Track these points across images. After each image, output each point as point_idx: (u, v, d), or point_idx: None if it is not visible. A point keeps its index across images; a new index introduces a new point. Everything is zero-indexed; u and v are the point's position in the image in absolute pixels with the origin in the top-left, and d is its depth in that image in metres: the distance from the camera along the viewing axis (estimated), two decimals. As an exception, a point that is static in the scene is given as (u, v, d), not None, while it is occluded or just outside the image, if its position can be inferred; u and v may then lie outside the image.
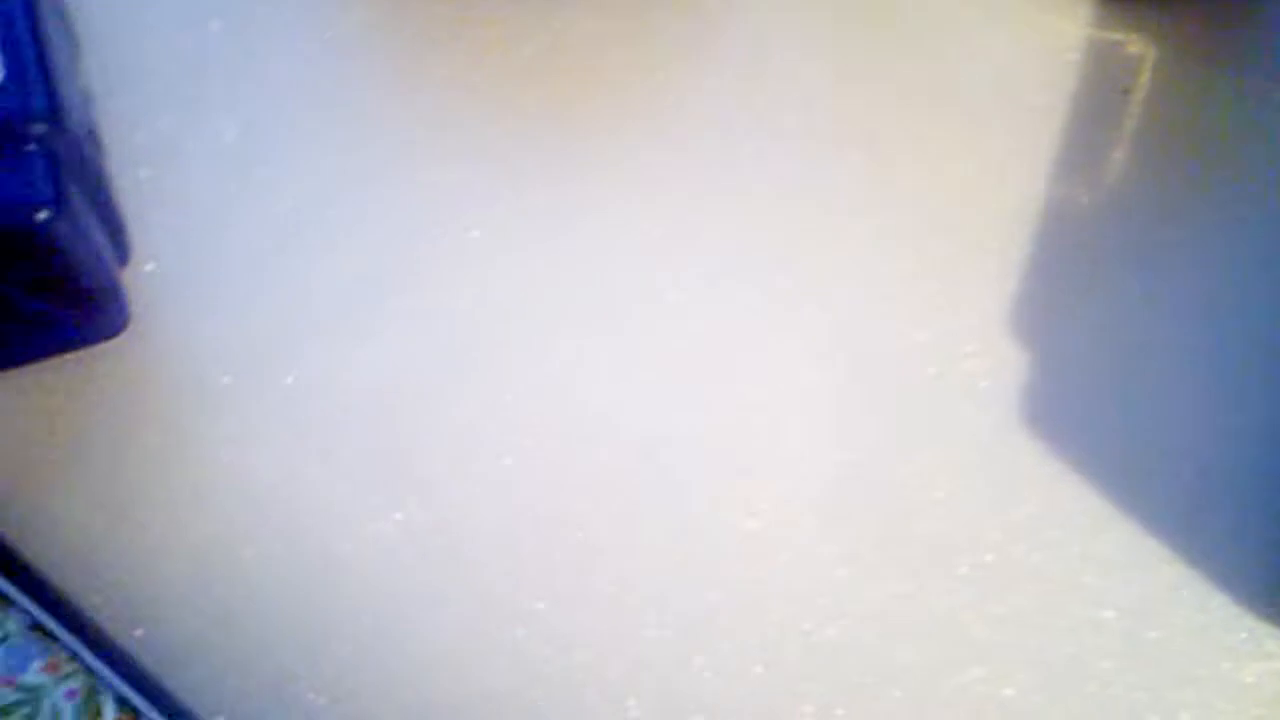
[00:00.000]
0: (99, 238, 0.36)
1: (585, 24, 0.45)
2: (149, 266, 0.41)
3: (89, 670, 0.34)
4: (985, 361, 0.41)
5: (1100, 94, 0.44)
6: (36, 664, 0.34)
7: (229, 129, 0.43)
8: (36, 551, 0.37)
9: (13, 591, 0.35)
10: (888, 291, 0.42)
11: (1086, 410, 0.41)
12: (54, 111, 0.34)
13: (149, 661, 0.36)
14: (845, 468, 0.40)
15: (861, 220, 0.43)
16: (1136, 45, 0.45)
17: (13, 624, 0.34)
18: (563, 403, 0.41)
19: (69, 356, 0.40)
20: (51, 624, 0.34)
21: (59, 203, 0.34)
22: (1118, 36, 0.45)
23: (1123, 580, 0.39)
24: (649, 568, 0.39)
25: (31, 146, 0.34)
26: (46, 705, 0.33)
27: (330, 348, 0.41)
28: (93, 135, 0.37)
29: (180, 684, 0.36)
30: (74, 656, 0.34)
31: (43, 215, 0.34)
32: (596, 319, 0.42)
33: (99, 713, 0.33)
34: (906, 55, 0.45)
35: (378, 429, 0.40)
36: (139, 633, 0.37)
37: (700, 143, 0.44)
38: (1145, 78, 0.44)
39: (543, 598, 0.39)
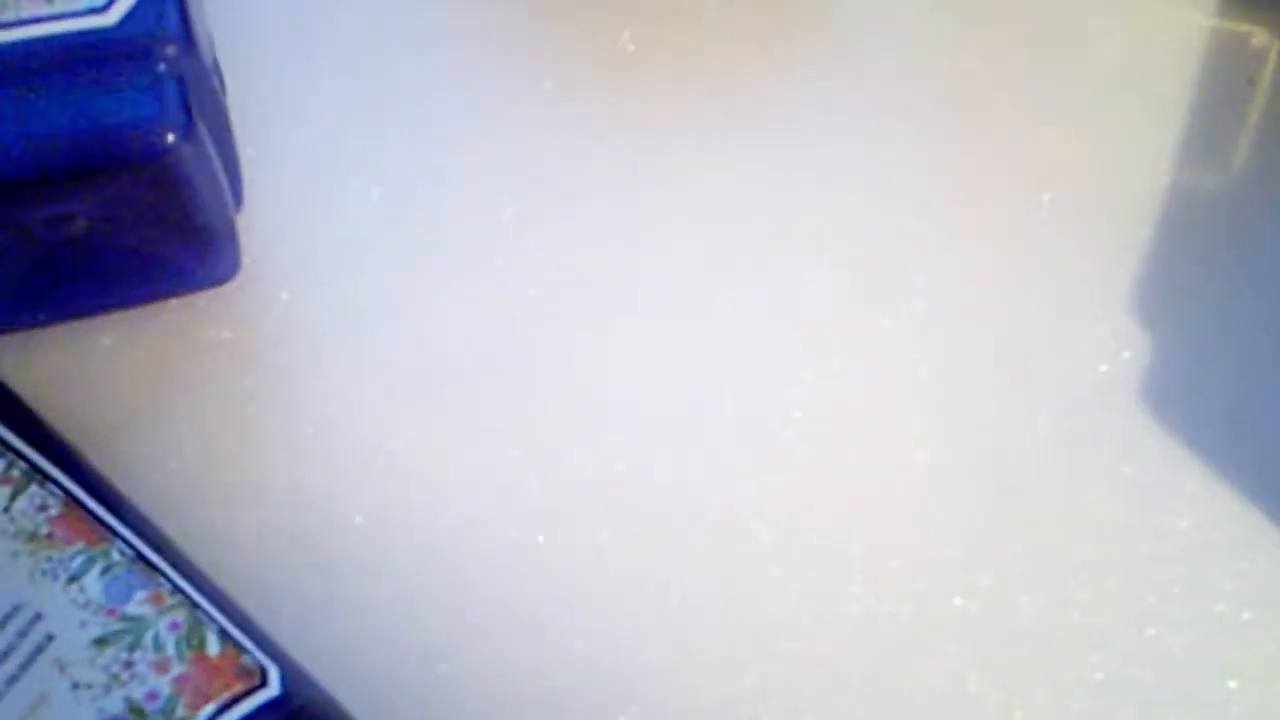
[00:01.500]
0: (221, 173, 0.36)
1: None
2: (259, 217, 0.40)
3: (192, 604, 0.33)
4: (1105, 346, 0.40)
5: (1225, 84, 0.43)
6: (140, 595, 0.33)
7: (346, 84, 0.42)
8: (138, 490, 0.36)
9: (117, 524, 0.34)
10: (1001, 277, 0.41)
11: (1210, 396, 0.40)
12: (186, 35, 0.34)
13: (246, 604, 0.35)
14: (955, 447, 0.39)
15: (976, 209, 0.42)
16: (1261, 37, 0.44)
17: (116, 555, 0.33)
18: (665, 377, 0.40)
19: (177, 300, 0.39)
20: (155, 558, 0.34)
21: (188, 127, 0.33)
22: (1243, 28, 0.44)
23: (1246, 573, 0.38)
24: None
25: (162, 67, 0.33)
26: (149, 636, 0.32)
27: (439, 308, 0.40)
28: (217, 70, 0.37)
29: (275, 629, 0.35)
30: (177, 590, 0.33)
31: (171, 137, 0.33)
32: (682, 309, 0.41)
33: (202, 645, 0.32)
34: (1023, 46, 0.45)
35: (484, 388, 0.39)
36: (236, 575, 0.36)
37: (800, 135, 0.43)
38: (1271, 68, 0.43)
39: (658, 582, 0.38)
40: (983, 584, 0.37)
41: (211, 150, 0.35)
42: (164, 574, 0.33)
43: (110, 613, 0.32)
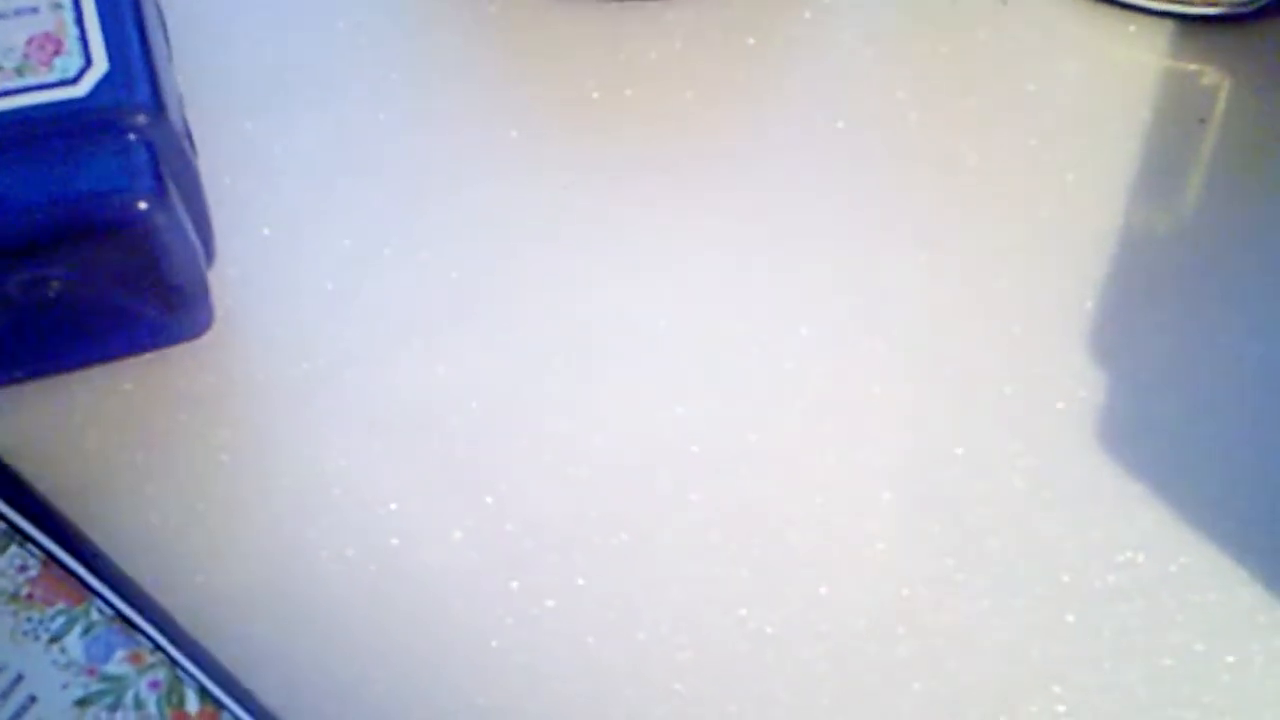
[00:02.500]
0: (192, 234, 0.37)
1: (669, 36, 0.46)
2: (232, 270, 0.41)
3: (172, 662, 0.34)
4: (1060, 384, 0.41)
5: (1176, 123, 0.44)
6: (120, 654, 0.33)
7: (314, 136, 0.43)
8: (117, 547, 0.37)
9: (96, 583, 0.35)
10: (959, 313, 0.42)
11: (1165, 433, 0.41)
12: (156, 103, 0.34)
13: (226, 660, 0.36)
14: (917, 484, 0.40)
15: (932, 248, 0.43)
16: (1211, 76, 0.45)
17: (96, 614, 0.34)
18: (648, 419, 0.41)
19: (152, 355, 0.40)
20: (135, 616, 0.34)
21: (159, 193, 0.34)
22: (1193, 67, 0.45)
23: (1200, 605, 0.39)
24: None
25: (132, 136, 0.34)
26: (129, 695, 0.33)
27: (413, 356, 0.41)
28: (188, 134, 0.37)
29: (258, 684, 0.36)
30: (157, 648, 0.34)
31: (143, 205, 0.34)
32: (652, 350, 0.42)
33: (182, 702, 0.33)
34: (977, 86, 0.45)
35: (458, 439, 0.40)
36: (217, 630, 0.37)
37: (762, 176, 0.44)
38: (1221, 107, 0.44)
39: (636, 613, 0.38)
40: (944, 621, 0.38)
41: (182, 212, 0.36)
42: (143, 632, 0.34)
43: (91, 673, 0.33)
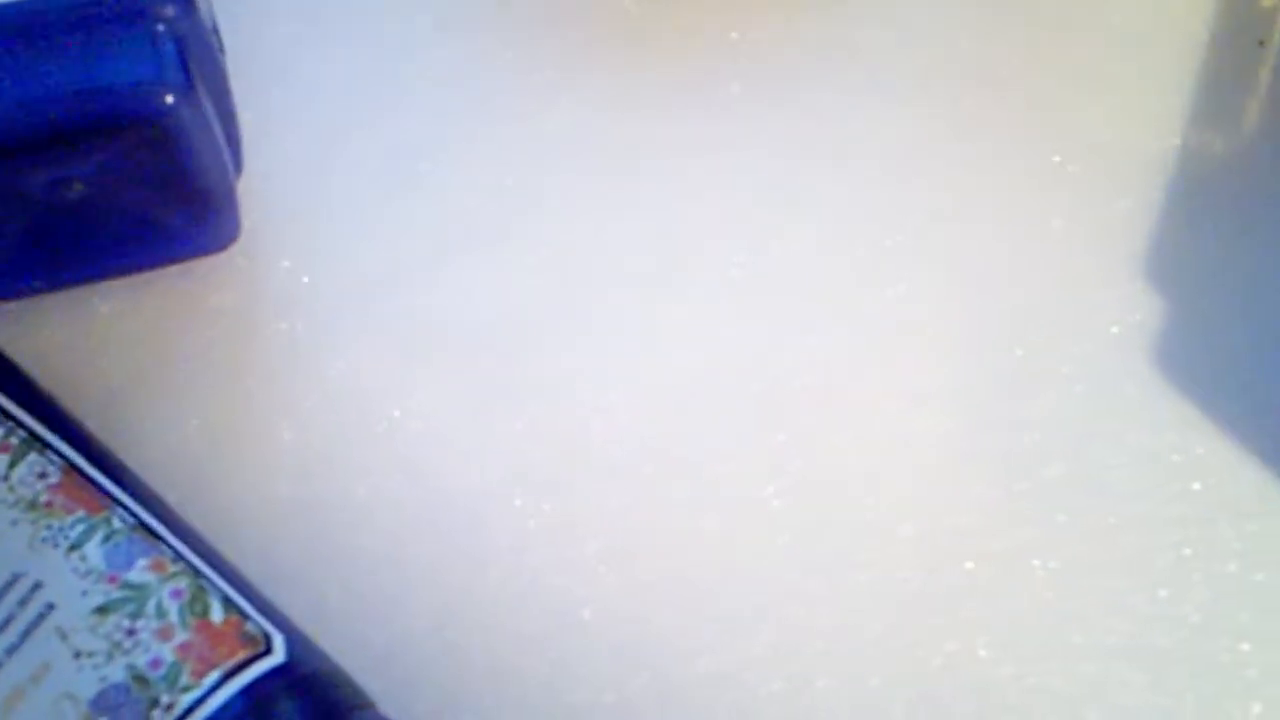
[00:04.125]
0: (220, 135, 0.35)
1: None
2: (260, 183, 0.40)
3: (195, 572, 0.32)
4: (1115, 309, 0.40)
5: (1235, 45, 0.43)
6: (142, 562, 0.32)
7: (348, 47, 0.42)
8: (139, 462, 0.35)
9: (118, 492, 0.33)
10: (1012, 237, 0.41)
11: (1225, 359, 0.39)
12: (185, -5, 0.33)
13: (252, 574, 0.35)
14: (968, 411, 0.39)
15: (986, 175, 0.42)
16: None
17: (117, 522, 0.33)
18: (692, 345, 0.39)
19: (176, 269, 0.39)
20: (157, 525, 0.33)
21: (187, 88, 0.33)
22: (1252, -11, 0.44)
23: (1258, 534, 0.37)
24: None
25: (160, 28, 0.33)
26: (152, 603, 0.32)
27: (445, 274, 0.40)
28: (216, 32, 0.36)
29: (282, 601, 0.34)
30: (179, 558, 0.33)
31: (170, 98, 0.33)
32: (691, 275, 0.40)
33: (206, 612, 0.32)
34: (1030, 11, 0.44)
35: (491, 360, 0.39)
36: (240, 547, 0.35)
37: (808, 101, 0.43)
38: (1281, 29, 0.43)
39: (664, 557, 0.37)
40: (995, 549, 0.37)
41: (210, 112, 0.34)
42: (166, 541, 0.33)
43: (112, 580, 0.32)
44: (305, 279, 0.39)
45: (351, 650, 0.34)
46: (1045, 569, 0.37)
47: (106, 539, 0.32)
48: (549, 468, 0.38)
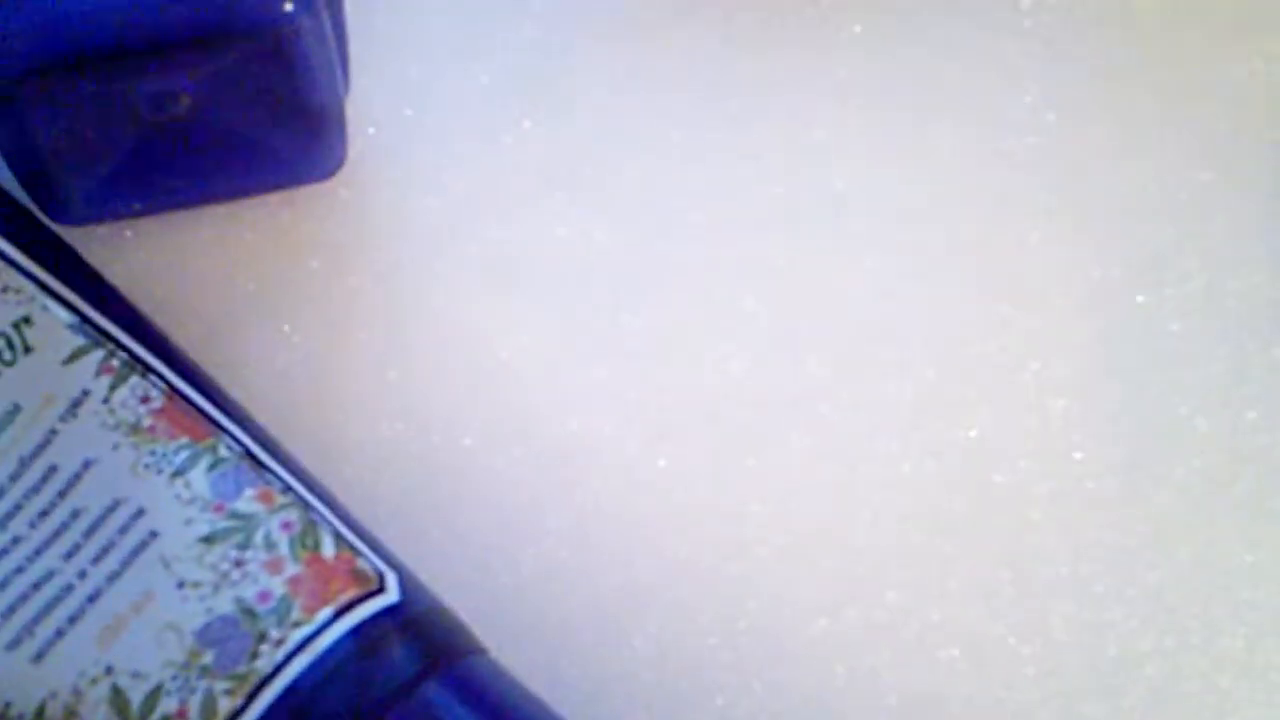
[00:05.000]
0: (334, 51, 0.34)
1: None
2: (364, 109, 0.38)
3: (305, 505, 0.31)
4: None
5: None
6: (249, 492, 0.31)
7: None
8: (243, 391, 0.34)
9: (223, 419, 0.32)
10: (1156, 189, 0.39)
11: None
12: (307, -102, 0.31)
13: (358, 514, 0.33)
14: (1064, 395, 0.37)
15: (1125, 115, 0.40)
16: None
17: (224, 450, 0.31)
18: (806, 300, 0.37)
19: (278, 197, 0.37)
20: (264, 456, 0.31)
21: (306, -4, 0.31)
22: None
23: None
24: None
25: (279, -69, 0.31)
26: (260, 534, 0.30)
27: (555, 212, 0.38)
28: (330, -60, 0.34)
29: (389, 540, 0.33)
30: (288, 489, 0.31)
31: (290, 6, 0.31)
32: (803, 226, 0.38)
33: (317, 546, 0.30)
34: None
35: (602, 301, 0.37)
36: (344, 485, 0.34)
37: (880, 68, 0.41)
38: None
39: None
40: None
41: (328, 24, 0.33)
42: (274, 473, 0.31)
43: (218, 509, 0.30)
44: (409, 211, 0.37)
45: (455, 598, 0.33)
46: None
47: (212, 466, 0.31)
48: (663, 415, 0.36)
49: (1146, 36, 0.40)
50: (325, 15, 0.33)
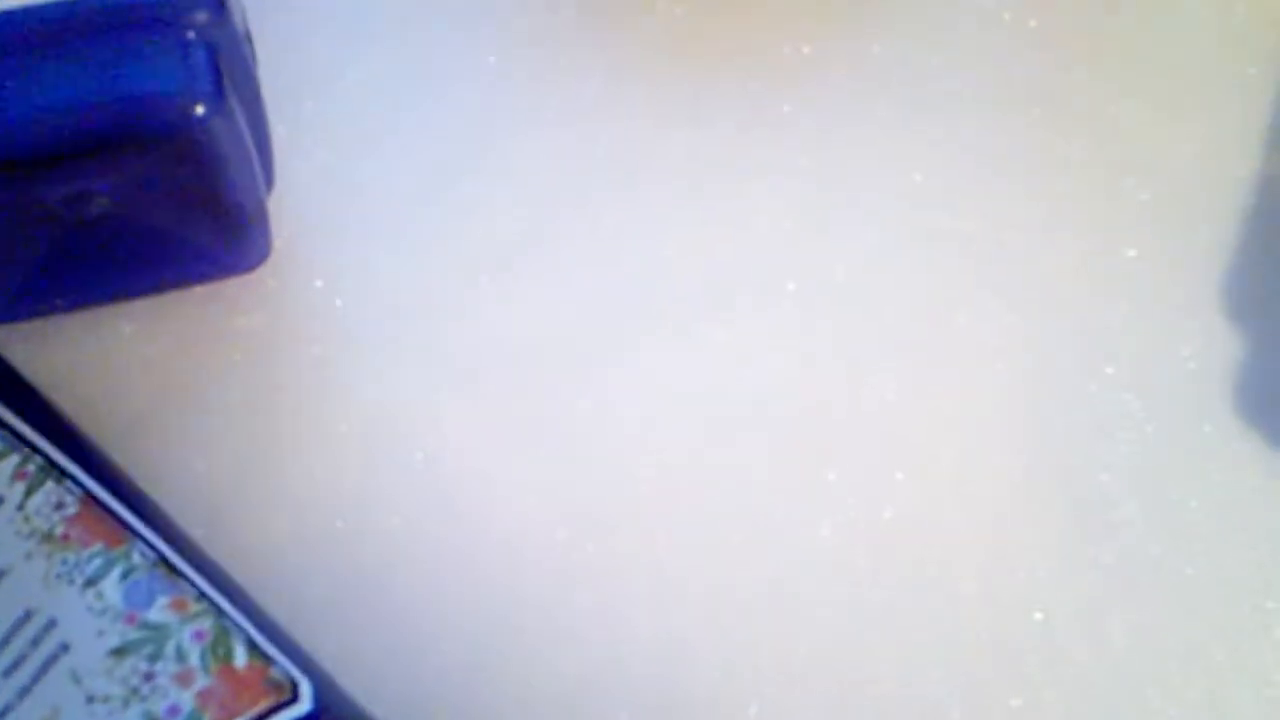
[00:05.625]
0: (252, 150, 0.34)
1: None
2: (290, 199, 0.38)
3: (219, 612, 0.31)
4: (1196, 341, 0.38)
5: (1317, 68, 0.41)
6: (162, 600, 0.30)
7: (383, 62, 0.40)
8: (162, 492, 0.34)
9: (138, 524, 0.31)
10: (1090, 271, 0.39)
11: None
12: (217, 1, 0.31)
13: (277, 614, 0.33)
14: (1037, 449, 0.37)
15: (1061, 199, 0.40)
16: (1355, 18, 0.41)
17: (137, 557, 0.31)
18: (720, 372, 0.37)
19: (203, 288, 0.37)
20: (179, 561, 0.31)
21: (219, 99, 0.31)
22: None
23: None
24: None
25: (191, 35, 0.31)
26: (171, 645, 0.30)
27: (480, 296, 0.38)
28: (249, 38, 0.34)
29: (310, 642, 0.32)
30: (202, 596, 0.31)
31: (201, 109, 0.31)
32: (736, 301, 0.38)
33: (229, 655, 0.30)
34: (1108, 28, 0.42)
35: (528, 386, 0.37)
36: (267, 585, 0.33)
37: (870, 116, 0.41)
38: (1367, 51, 0.41)
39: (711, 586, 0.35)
40: (1065, 598, 0.35)
41: (243, 124, 0.33)
42: (188, 579, 0.31)
43: (130, 620, 0.30)
44: (338, 301, 0.37)
45: (382, 694, 0.32)
46: (1119, 620, 0.35)
47: (125, 575, 0.30)
48: (592, 504, 0.36)
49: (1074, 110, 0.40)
50: (239, 116, 0.33)
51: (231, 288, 0.37)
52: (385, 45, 0.40)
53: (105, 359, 0.36)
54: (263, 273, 0.37)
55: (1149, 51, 0.41)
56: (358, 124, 0.39)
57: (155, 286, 0.36)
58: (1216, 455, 0.36)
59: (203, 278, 0.36)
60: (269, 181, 0.37)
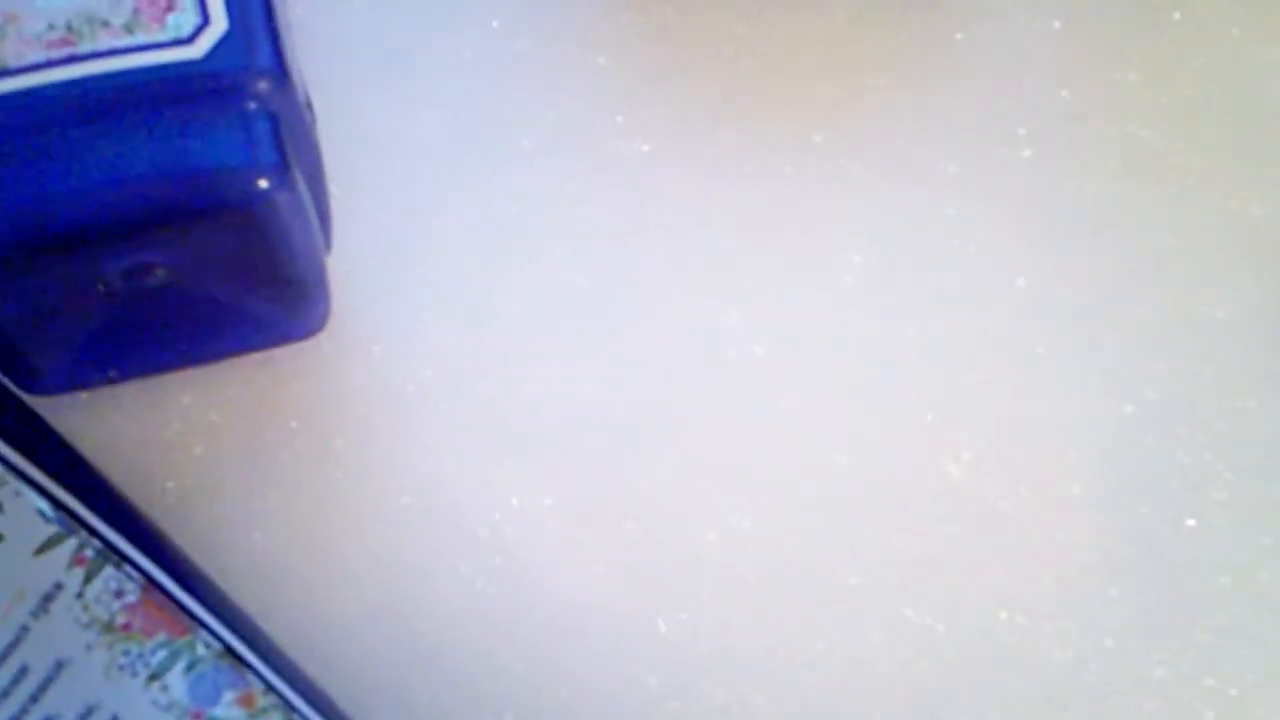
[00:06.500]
0: (314, 219, 0.32)
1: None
2: (348, 263, 0.37)
3: (288, 705, 0.29)
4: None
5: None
6: (229, 695, 0.29)
7: (441, 122, 0.39)
8: (220, 569, 0.32)
9: (201, 611, 0.30)
10: (1170, 331, 0.38)
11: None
12: (281, 68, 0.30)
13: (339, 696, 0.32)
14: (1117, 515, 0.35)
15: (1127, 247, 0.39)
16: None
17: (201, 648, 0.30)
18: (809, 447, 0.36)
19: (260, 356, 0.36)
20: (244, 650, 0.30)
21: (282, 171, 0.30)
22: None
23: None
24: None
25: (253, 105, 0.30)
26: (240, 743, 0.29)
27: (542, 362, 0.37)
28: (309, 105, 0.33)
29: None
30: (269, 689, 0.30)
31: (264, 183, 0.30)
32: (804, 362, 0.37)
33: (300, 755, 0.29)
34: (1171, 70, 0.41)
35: (592, 455, 0.36)
36: (328, 662, 0.32)
37: (935, 157, 0.40)
38: None
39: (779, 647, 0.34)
40: (1158, 675, 0.34)
41: (305, 195, 0.32)
42: (254, 669, 0.30)
43: (197, 717, 0.29)
44: (397, 365, 0.36)
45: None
46: (1214, 692, 0.34)
47: (190, 667, 0.29)
48: (665, 579, 0.35)
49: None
50: (301, 185, 0.31)
51: (288, 353, 0.36)
52: (442, 105, 0.39)
53: (161, 432, 0.35)
54: (320, 339, 0.36)
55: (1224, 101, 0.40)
56: (414, 185, 0.38)
57: (213, 355, 0.35)
58: None
59: (260, 345, 0.35)
60: (327, 245, 0.36)
